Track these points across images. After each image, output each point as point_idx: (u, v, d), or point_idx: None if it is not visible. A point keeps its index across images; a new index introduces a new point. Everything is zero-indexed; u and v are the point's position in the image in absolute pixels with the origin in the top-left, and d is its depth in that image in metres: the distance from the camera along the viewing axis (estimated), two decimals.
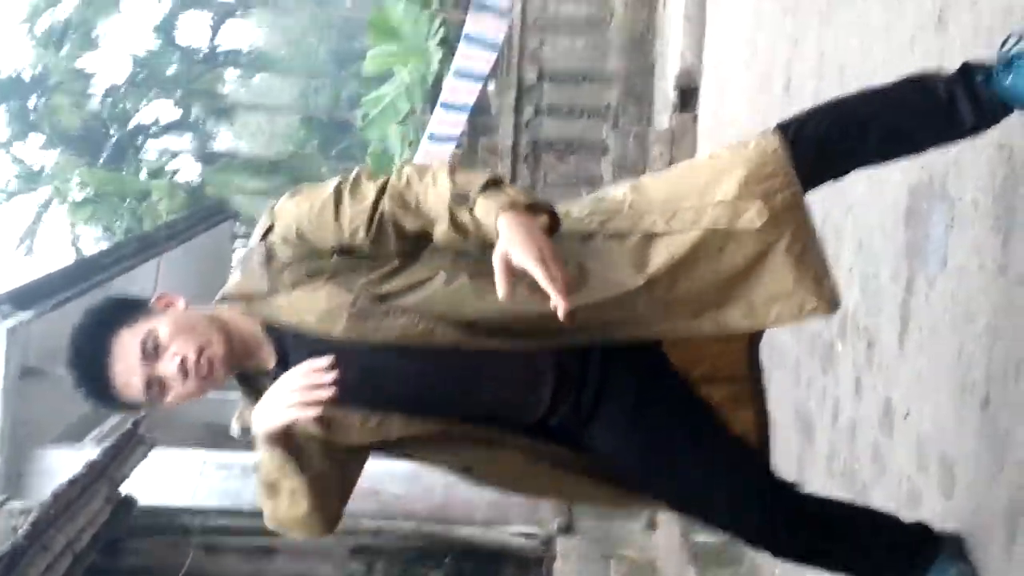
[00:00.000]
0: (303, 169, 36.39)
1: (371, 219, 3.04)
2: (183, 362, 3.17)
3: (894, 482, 4.33)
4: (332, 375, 3.04)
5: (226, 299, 3.29)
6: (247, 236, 34.37)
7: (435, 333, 3.13)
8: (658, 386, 3.31)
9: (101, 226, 32.77)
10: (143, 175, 34.75)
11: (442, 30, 21.21)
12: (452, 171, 3.01)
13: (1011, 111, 3.09)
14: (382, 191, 3.04)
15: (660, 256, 3.10)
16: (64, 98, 34.49)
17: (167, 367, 3.18)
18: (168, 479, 12.70)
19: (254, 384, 3.29)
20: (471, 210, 2.93)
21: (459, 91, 17.04)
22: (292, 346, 3.22)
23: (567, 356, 3.22)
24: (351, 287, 3.14)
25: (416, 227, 3.05)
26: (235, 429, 3.35)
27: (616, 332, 3.14)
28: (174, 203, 31.39)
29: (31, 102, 34.87)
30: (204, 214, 23.52)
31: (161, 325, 3.21)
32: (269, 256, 3.20)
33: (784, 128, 3.20)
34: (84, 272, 15.95)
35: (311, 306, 3.16)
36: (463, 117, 17.57)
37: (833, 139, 3.23)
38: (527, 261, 2.81)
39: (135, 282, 15.80)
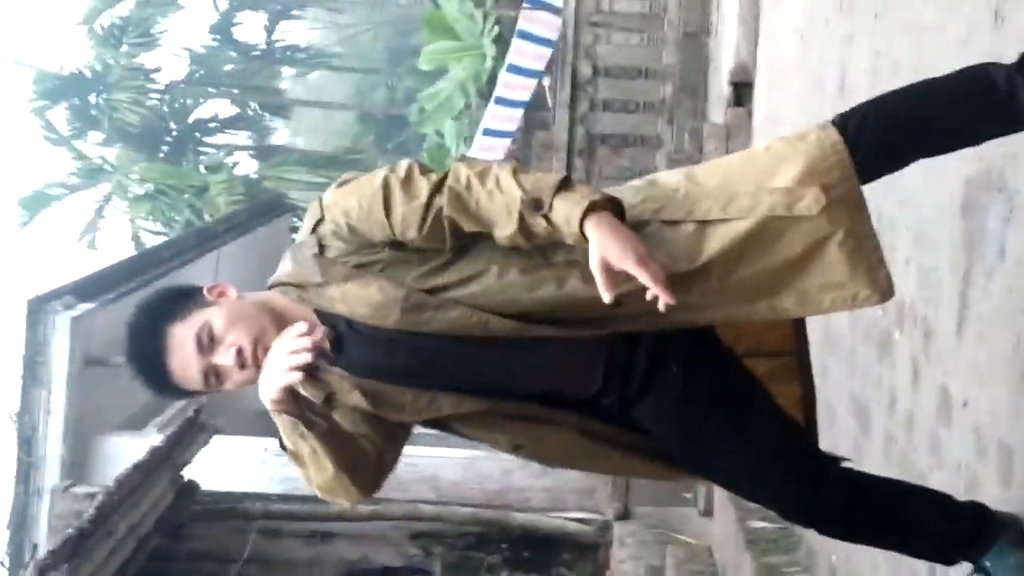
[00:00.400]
0: (359, 164, 36.32)
1: (423, 218, 3.05)
2: (239, 352, 3.22)
3: (952, 471, 4.33)
4: (313, 339, 3.08)
5: (278, 286, 3.32)
6: None
7: (489, 324, 3.15)
8: (705, 373, 3.33)
9: (161, 220, 32.83)
10: (202, 170, 34.82)
11: (496, 27, 21.22)
12: (516, 174, 3.01)
13: None
14: (436, 190, 3.04)
15: (715, 243, 3.10)
16: (124, 95, 34.51)
17: (223, 358, 3.24)
18: (230, 465, 12.76)
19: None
20: (546, 216, 2.94)
21: (514, 87, 17.05)
22: (345, 332, 3.26)
23: (618, 342, 3.24)
24: (402, 280, 3.16)
25: (474, 228, 3.06)
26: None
27: (668, 319, 3.11)
28: (232, 197, 31.42)
29: (91, 99, 34.97)
30: (262, 208, 23.56)
31: (215, 316, 3.26)
32: (321, 248, 3.22)
33: (843, 122, 3.21)
34: (145, 265, 16.05)
35: (364, 299, 3.18)
36: (518, 113, 17.58)
37: (892, 135, 3.24)
38: (628, 264, 2.86)
39: (194, 275, 15.84)
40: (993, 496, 3.84)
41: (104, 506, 10.26)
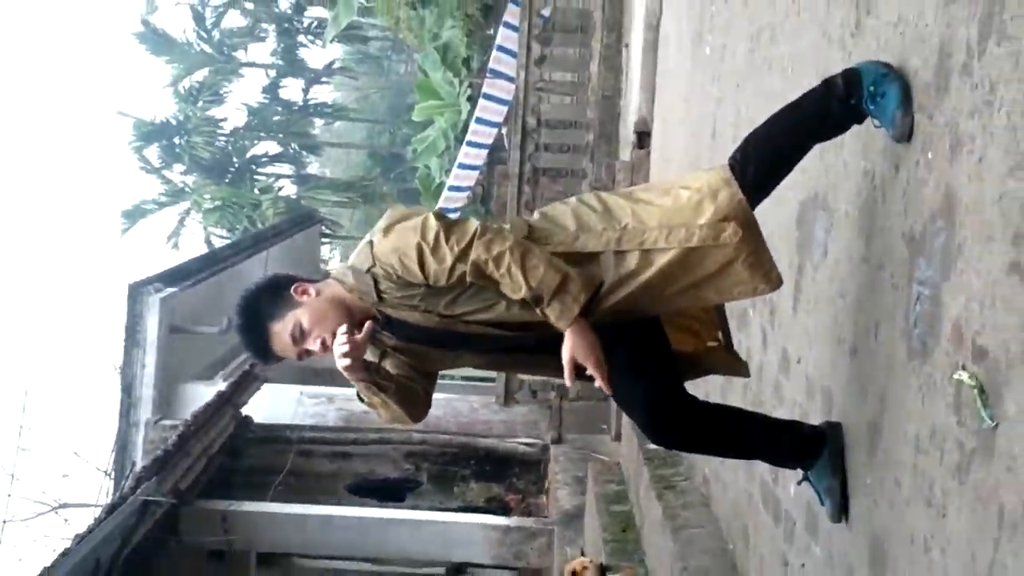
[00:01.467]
0: (369, 188, 36.29)
1: (449, 275, 3.17)
2: (323, 343, 3.30)
3: (790, 408, 4.37)
4: (357, 339, 3.23)
5: (343, 283, 3.35)
6: (330, 236, 34.48)
7: (497, 333, 3.32)
8: (634, 336, 3.39)
9: (226, 227, 32.71)
10: (256, 192, 34.70)
11: (469, 90, 21.24)
12: (523, 263, 3.12)
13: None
14: (460, 258, 3.15)
15: (657, 265, 3.25)
16: (199, 138, 34.46)
17: (312, 345, 3.33)
18: (275, 405, 12.74)
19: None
20: (543, 309, 3.14)
21: (480, 134, 17.09)
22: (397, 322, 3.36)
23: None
24: (435, 309, 3.27)
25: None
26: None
27: (623, 316, 3.31)
28: (277, 211, 31.33)
29: (175, 140, 34.84)
30: (299, 220, 23.51)
31: (303, 316, 3.32)
32: (375, 282, 3.27)
33: (733, 164, 3.34)
34: (213, 260, 16.03)
35: (408, 318, 3.31)
36: (484, 152, 17.68)
37: (767, 170, 3.42)
38: (589, 364, 3.17)
39: (250, 269, 15.84)
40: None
41: (183, 434, 10.26)
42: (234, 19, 37.66)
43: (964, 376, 2.53)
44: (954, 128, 2.73)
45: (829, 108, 3.28)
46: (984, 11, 2.58)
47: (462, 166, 17.64)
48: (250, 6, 36.58)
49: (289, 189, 38.26)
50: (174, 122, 35.15)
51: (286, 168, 39.49)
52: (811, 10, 4.37)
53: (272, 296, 3.39)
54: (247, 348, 3.49)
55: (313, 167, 44.62)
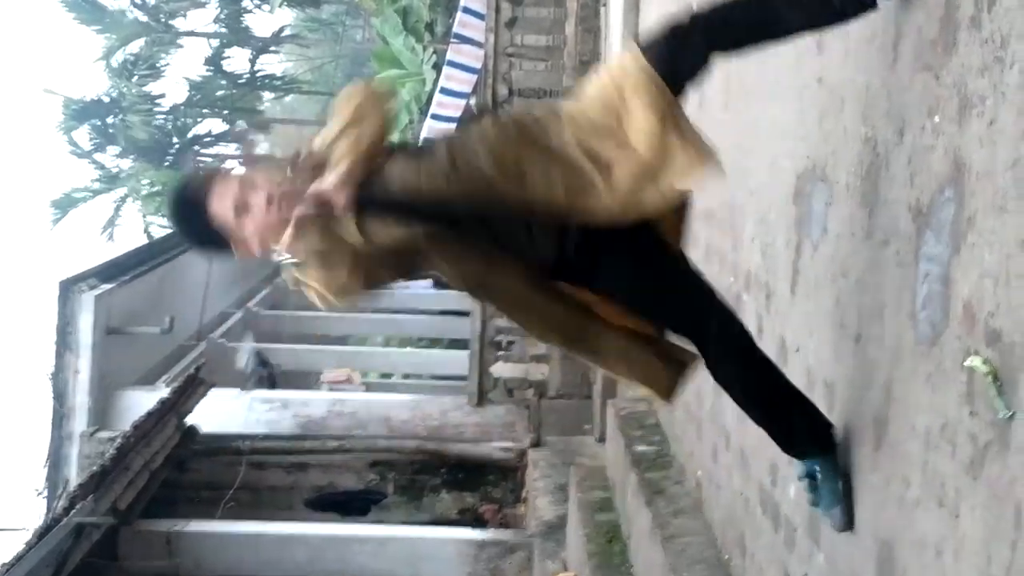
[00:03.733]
0: None
1: None
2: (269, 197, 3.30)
3: None
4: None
5: None
6: None
7: None
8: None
9: (166, 216, 32.68)
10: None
11: (434, 57, 21.20)
12: None
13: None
14: None
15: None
16: (135, 117, 34.32)
17: (255, 199, 3.31)
18: (223, 412, 12.71)
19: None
20: None
21: (446, 106, 17.09)
22: None
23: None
24: None
25: None
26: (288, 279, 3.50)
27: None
28: None
29: (109, 120, 34.69)
30: None
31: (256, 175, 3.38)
32: None
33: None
34: (153, 253, 15.95)
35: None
36: (451, 126, 17.62)
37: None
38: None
39: (192, 261, 15.78)
40: None
41: (122, 447, 10.21)
42: None
43: (977, 362, 2.54)
44: (962, 88, 2.73)
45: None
46: None
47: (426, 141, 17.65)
48: None
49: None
50: (107, 99, 34.99)
51: (233, 148, 39.36)
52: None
53: (198, 191, 3.42)
54: (197, 243, 3.51)
55: (263, 146, 44.48)
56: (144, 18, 35.92)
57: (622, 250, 3.35)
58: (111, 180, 34.00)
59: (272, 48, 41.72)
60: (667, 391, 3.56)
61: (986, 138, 2.58)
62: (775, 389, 3.58)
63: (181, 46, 37.77)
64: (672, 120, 3.22)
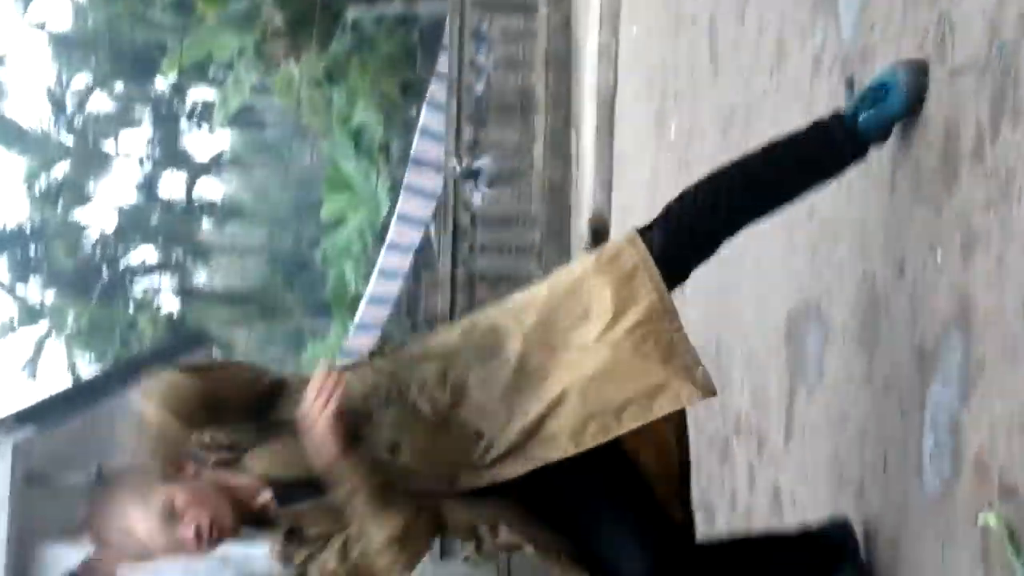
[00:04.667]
0: (270, 301, 36.24)
1: None
2: (198, 532, 3.13)
3: None
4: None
5: None
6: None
7: None
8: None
9: (94, 354, 32.48)
10: (130, 309, 34.54)
11: (388, 181, 21.36)
12: None
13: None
14: None
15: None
16: (60, 246, 34.32)
17: (186, 531, 3.13)
18: (160, 570, 12.50)
19: (268, 522, 3.26)
20: None
21: (403, 233, 17.16)
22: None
23: None
24: None
25: None
26: (276, 567, 3.33)
27: None
28: (158, 332, 31.19)
29: (31, 250, 34.70)
30: (184, 342, 23.38)
31: (179, 492, 3.14)
32: None
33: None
34: (79, 394, 15.88)
35: None
36: (408, 257, 17.73)
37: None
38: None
39: (124, 405, 15.66)
40: None
41: None
42: (101, 103, 37.76)
43: (991, 518, 2.55)
44: (966, 223, 2.78)
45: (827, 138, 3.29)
46: (994, 88, 2.65)
47: (383, 273, 17.68)
48: (120, 88, 36.68)
49: (171, 304, 38.11)
50: (29, 228, 35.00)
51: (167, 279, 39.35)
52: (792, 84, 4.47)
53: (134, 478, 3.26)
54: None
55: (200, 277, 44.51)
56: (70, 140, 36.09)
57: None
58: (33, 315, 33.91)
59: (211, 172, 41.95)
60: None
61: (994, 277, 2.63)
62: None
63: (111, 169, 37.94)
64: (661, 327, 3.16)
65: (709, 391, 3.16)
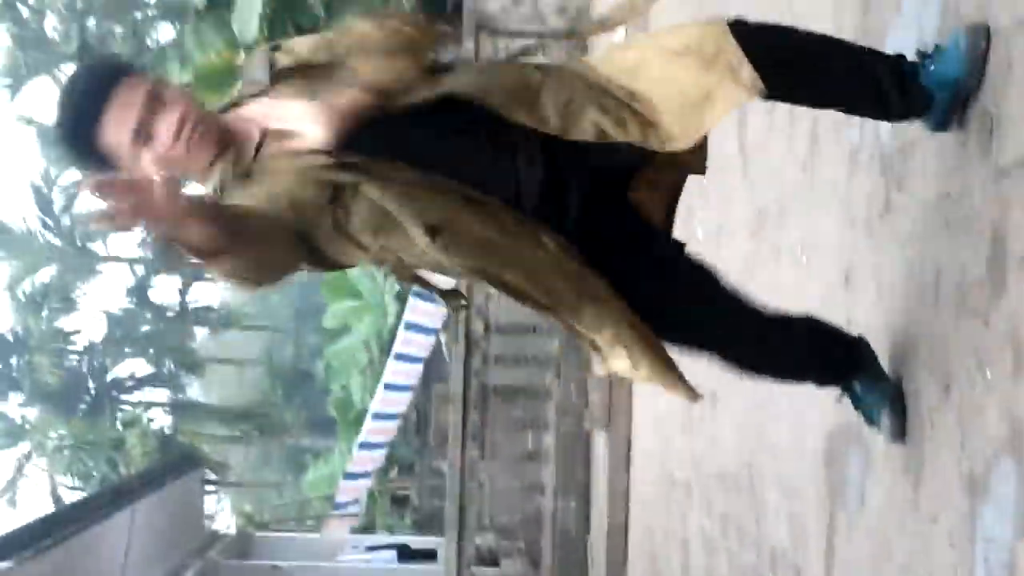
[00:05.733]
0: (268, 418, 36.30)
1: None
2: (181, 120, 3.05)
3: None
4: None
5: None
6: (216, 483, 34.20)
7: None
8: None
9: (79, 475, 32.53)
10: (119, 426, 34.60)
11: (397, 286, 21.46)
12: None
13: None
14: None
15: None
16: (44, 357, 34.49)
17: (163, 122, 3.05)
18: None
19: None
20: None
21: (412, 343, 17.30)
22: None
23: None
24: None
25: None
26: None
27: None
28: (147, 450, 31.23)
29: (12, 362, 34.87)
30: (176, 463, 23.35)
31: (170, 89, 3.12)
32: None
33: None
34: (60, 522, 15.79)
35: None
36: (418, 367, 17.80)
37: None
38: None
39: (109, 531, 15.63)
40: None
41: None
42: (89, 201, 38.07)
43: None
44: (1017, 337, 2.76)
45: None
46: None
47: (391, 387, 17.73)
48: None
49: (163, 420, 38.22)
50: (11, 337, 35.21)
51: (159, 394, 39.46)
52: (829, 182, 4.47)
53: (124, 68, 3.16)
54: (64, 143, 3.17)
55: (194, 391, 44.63)
56: (57, 242, 36.36)
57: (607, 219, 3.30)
58: (13, 434, 33.99)
59: (206, 276, 42.18)
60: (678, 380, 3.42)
61: None
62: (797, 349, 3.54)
63: (100, 273, 38.21)
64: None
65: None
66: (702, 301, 3.36)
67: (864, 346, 3.54)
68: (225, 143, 3.12)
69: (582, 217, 3.18)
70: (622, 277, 3.22)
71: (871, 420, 3.57)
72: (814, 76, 3.21)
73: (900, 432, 3.48)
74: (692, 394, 3.37)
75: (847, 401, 3.56)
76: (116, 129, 3.02)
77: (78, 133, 3.08)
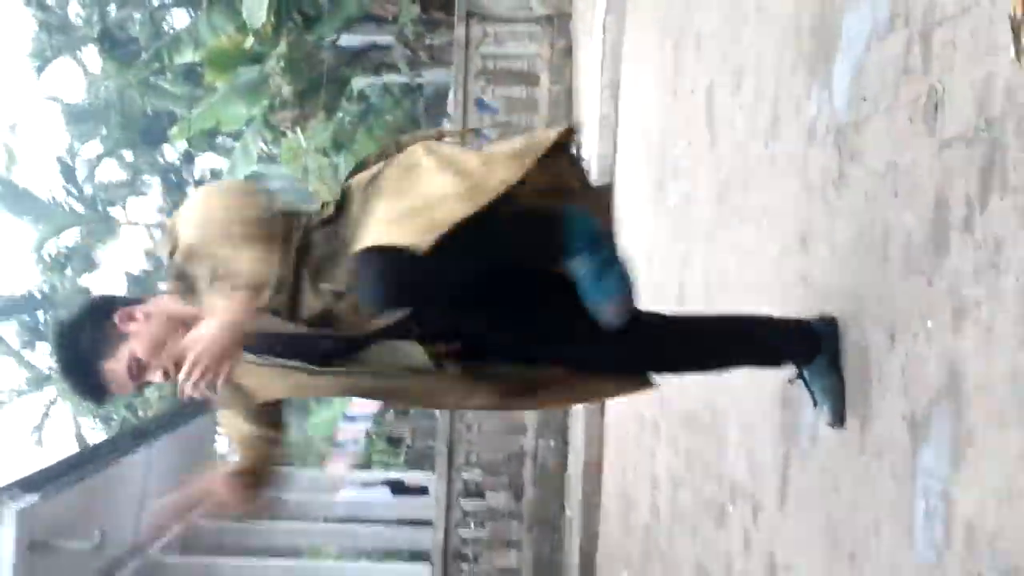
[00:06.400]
0: None
1: None
2: (165, 373, 3.27)
3: None
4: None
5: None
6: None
7: None
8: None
9: (100, 419, 32.48)
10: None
11: None
12: None
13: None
14: None
15: None
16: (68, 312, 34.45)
17: (153, 376, 3.30)
18: None
19: None
20: None
21: None
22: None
23: None
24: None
25: None
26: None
27: None
28: (162, 397, 31.15)
29: (39, 316, 34.76)
30: (188, 407, 23.29)
31: (137, 346, 3.26)
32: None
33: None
34: (84, 460, 15.80)
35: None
36: None
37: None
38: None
39: (129, 468, 15.65)
40: None
41: None
42: (111, 171, 37.92)
43: None
44: (956, 294, 2.79)
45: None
46: (985, 158, 2.66)
47: None
48: (129, 156, 36.85)
49: None
50: (38, 294, 35.09)
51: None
52: (787, 154, 4.49)
53: (96, 330, 3.33)
54: (77, 394, 3.44)
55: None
56: (80, 208, 36.22)
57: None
58: (40, 381, 33.86)
59: None
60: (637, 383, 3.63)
61: (983, 347, 2.63)
62: (720, 339, 3.70)
63: (120, 236, 38.03)
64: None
65: None
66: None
67: (817, 335, 3.65)
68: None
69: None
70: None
71: (815, 403, 3.70)
72: None
73: (839, 421, 3.61)
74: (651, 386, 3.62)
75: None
76: (122, 391, 3.34)
77: (100, 401, 3.46)
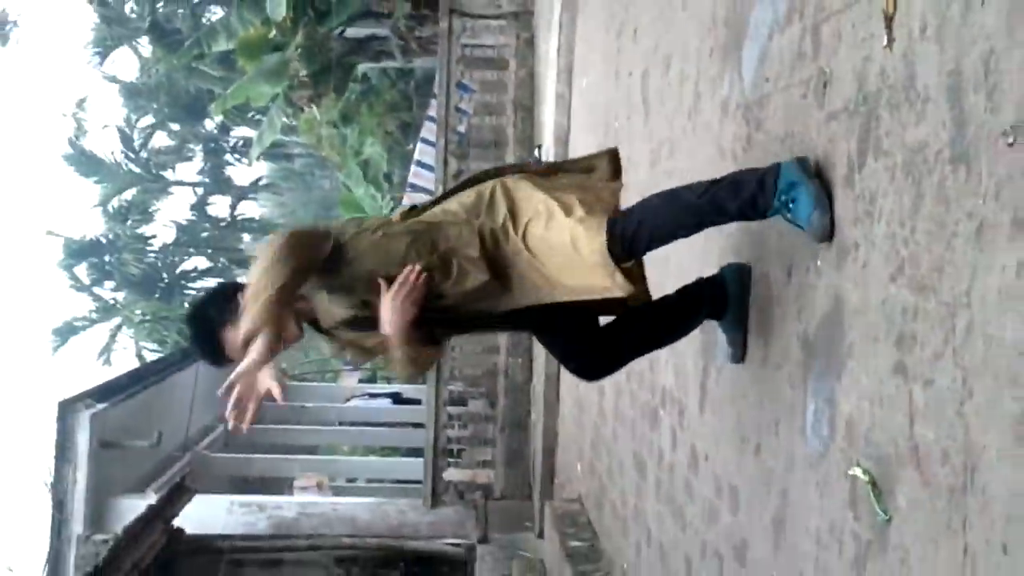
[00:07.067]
0: None
1: None
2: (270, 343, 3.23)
3: (700, 503, 4.37)
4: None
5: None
6: None
7: None
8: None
9: (157, 342, 32.37)
10: (186, 306, 34.41)
11: (391, 203, 21.35)
12: None
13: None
14: None
15: None
16: (129, 255, 34.23)
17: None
18: (207, 515, 12.48)
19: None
20: None
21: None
22: None
23: None
24: None
25: None
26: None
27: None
28: None
29: (105, 258, 34.59)
30: None
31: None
32: None
33: (616, 236, 3.25)
34: (144, 375, 15.76)
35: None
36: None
37: (648, 245, 3.33)
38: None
39: (180, 383, 15.63)
40: (726, 522, 3.89)
41: (115, 548, 10.00)
42: (161, 140, 37.62)
43: (858, 472, 2.56)
44: (839, 236, 2.80)
45: (734, 208, 3.10)
46: (861, 128, 2.66)
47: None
48: (176, 127, 36.58)
49: None
50: (104, 240, 34.91)
51: (215, 282, 39.17)
52: (706, 125, 4.47)
53: (222, 303, 3.38)
54: (201, 356, 3.47)
55: (242, 280, 44.26)
56: (137, 170, 36.01)
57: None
58: (107, 311, 33.75)
59: (250, 195, 41.85)
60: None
61: (860, 280, 2.64)
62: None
63: (170, 193, 37.84)
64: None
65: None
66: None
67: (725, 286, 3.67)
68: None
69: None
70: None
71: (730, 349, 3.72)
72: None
73: (740, 360, 3.66)
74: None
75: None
76: (236, 355, 3.26)
77: (217, 362, 3.43)
